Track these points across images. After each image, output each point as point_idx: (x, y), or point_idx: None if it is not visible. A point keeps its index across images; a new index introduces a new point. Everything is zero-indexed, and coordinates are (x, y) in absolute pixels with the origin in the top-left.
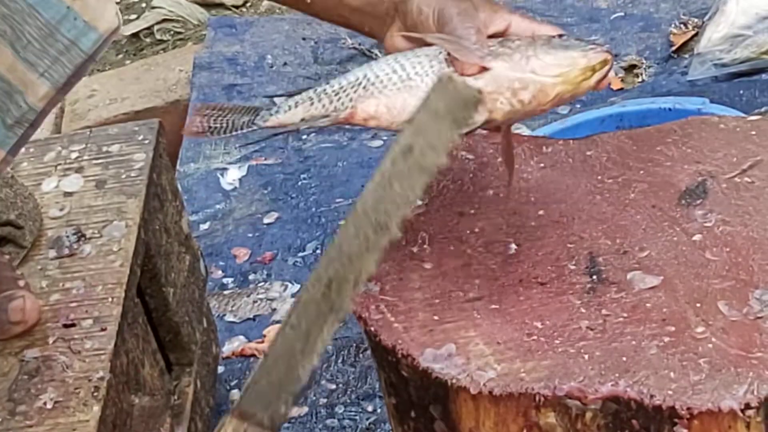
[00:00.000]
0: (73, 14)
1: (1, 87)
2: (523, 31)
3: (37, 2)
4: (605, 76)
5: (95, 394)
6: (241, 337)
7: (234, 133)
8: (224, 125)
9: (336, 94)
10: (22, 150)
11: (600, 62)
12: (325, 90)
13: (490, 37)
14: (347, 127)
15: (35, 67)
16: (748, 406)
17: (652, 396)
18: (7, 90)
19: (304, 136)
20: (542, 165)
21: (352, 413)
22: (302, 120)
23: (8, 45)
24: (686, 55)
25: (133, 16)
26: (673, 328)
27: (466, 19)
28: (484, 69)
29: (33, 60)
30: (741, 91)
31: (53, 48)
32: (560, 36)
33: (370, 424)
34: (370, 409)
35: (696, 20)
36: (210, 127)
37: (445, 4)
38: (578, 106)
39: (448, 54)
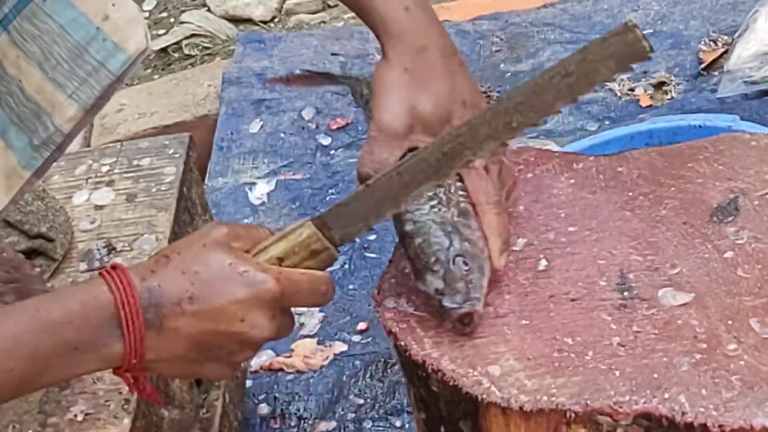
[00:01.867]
0: (102, 35)
1: (29, 107)
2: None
3: (68, 23)
4: None
5: (125, 406)
6: (269, 351)
7: None
8: None
9: None
10: (54, 163)
11: None
12: None
13: None
14: None
15: (64, 88)
16: None
17: (683, 413)
18: (35, 111)
19: (332, 152)
20: (573, 181)
21: (380, 428)
22: None
23: (36, 66)
24: (716, 73)
25: (162, 32)
26: (704, 345)
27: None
28: None
29: (62, 81)
30: None
31: (82, 69)
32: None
33: None
34: (398, 424)
35: (726, 38)
36: None
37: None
38: (607, 123)
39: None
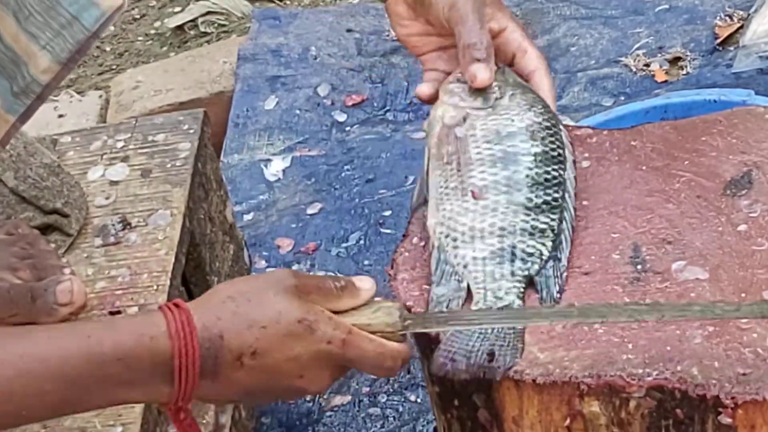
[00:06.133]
0: None
1: (8, 55)
2: (510, 43)
3: None
4: None
5: None
6: None
7: None
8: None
9: None
10: (68, 139)
11: None
12: None
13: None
14: (390, 118)
15: (37, 39)
16: None
17: (696, 385)
18: (13, 59)
19: (348, 128)
20: (586, 155)
21: (395, 403)
22: None
23: (11, 14)
24: (731, 48)
25: (178, 9)
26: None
27: (476, 23)
28: None
29: (35, 32)
30: None
31: (55, 21)
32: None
33: (412, 413)
34: (412, 398)
35: (741, 12)
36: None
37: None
38: (622, 98)
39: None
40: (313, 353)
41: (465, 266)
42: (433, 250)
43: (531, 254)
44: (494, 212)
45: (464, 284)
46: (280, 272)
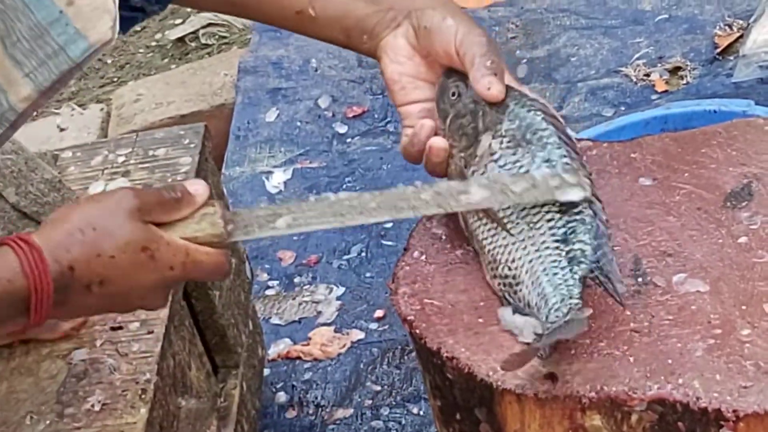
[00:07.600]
0: (65, 19)
1: None
2: None
3: (32, 1)
4: None
5: (142, 396)
6: (287, 340)
7: None
8: None
9: None
10: (69, 154)
11: None
12: None
13: None
14: (391, 130)
15: (21, 66)
16: None
17: (698, 398)
18: None
19: (349, 140)
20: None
21: (397, 415)
22: None
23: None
24: (731, 57)
25: (179, 21)
26: (718, 331)
27: (490, 54)
28: None
29: (20, 58)
30: None
31: (42, 50)
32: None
33: (415, 426)
34: (415, 411)
35: (741, 22)
36: None
37: (470, 29)
38: (623, 108)
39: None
40: (156, 280)
41: (528, 304)
42: (500, 309)
43: (574, 257)
44: (528, 238)
45: (534, 320)
46: (122, 194)
